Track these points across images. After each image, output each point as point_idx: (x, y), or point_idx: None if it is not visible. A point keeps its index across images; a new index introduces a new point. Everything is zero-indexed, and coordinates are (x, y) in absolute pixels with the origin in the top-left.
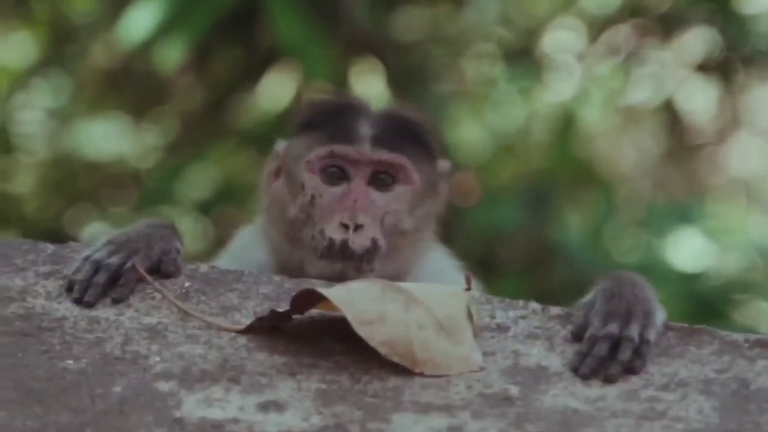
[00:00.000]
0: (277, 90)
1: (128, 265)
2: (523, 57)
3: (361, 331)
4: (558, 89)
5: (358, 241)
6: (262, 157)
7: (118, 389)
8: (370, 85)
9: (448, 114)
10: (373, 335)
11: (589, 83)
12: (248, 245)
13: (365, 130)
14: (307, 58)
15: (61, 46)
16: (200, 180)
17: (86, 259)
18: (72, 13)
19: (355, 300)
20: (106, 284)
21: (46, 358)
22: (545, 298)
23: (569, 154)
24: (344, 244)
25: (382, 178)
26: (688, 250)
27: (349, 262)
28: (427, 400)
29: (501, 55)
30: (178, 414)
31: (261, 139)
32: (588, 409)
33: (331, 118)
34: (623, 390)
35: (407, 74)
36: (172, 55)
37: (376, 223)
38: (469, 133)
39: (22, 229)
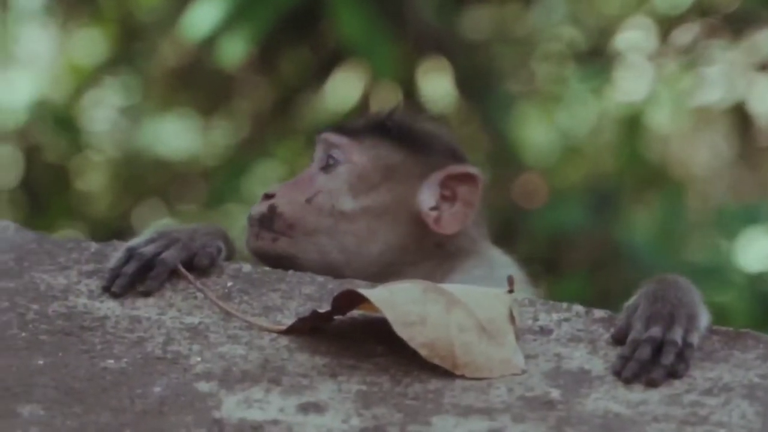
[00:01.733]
0: (344, 88)
1: (163, 255)
2: (593, 57)
3: (402, 332)
4: (628, 89)
5: (257, 208)
6: None
7: (158, 389)
8: (437, 85)
9: (515, 114)
10: (414, 337)
11: (659, 83)
12: None
13: (347, 123)
14: (372, 57)
15: (130, 43)
16: (268, 178)
17: (126, 248)
18: (139, 11)
19: (396, 301)
20: (136, 274)
21: (87, 357)
22: (610, 299)
23: (637, 154)
24: (249, 212)
25: (332, 160)
26: (757, 252)
27: (251, 229)
28: (467, 403)
29: (570, 54)
30: (217, 415)
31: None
32: (630, 413)
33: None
34: (666, 394)
35: (474, 74)
36: (235, 52)
37: (294, 197)
38: (537, 133)
39: (91, 227)
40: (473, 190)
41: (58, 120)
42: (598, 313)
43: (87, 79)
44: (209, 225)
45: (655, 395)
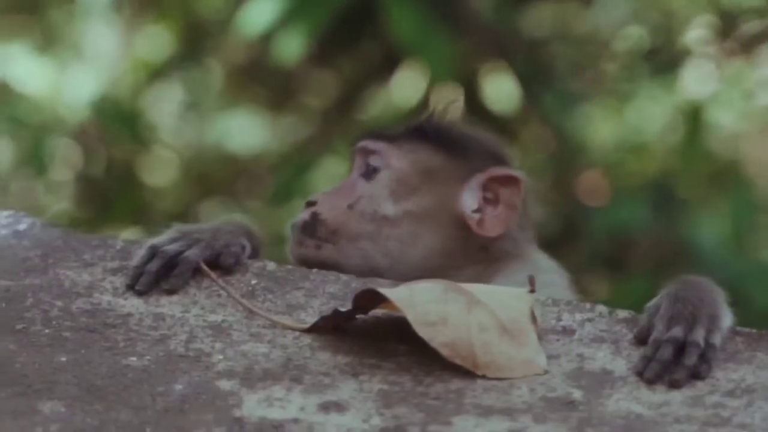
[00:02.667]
0: (408, 86)
1: (186, 254)
2: (657, 55)
3: (422, 332)
4: (693, 87)
5: (300, 216)
6: None
7: (179, 387)
8: (499, 84)
9: (577, 113)
10: (434, 336)
11: (724, 82)
12: None
13: (385, 130)
14: (427, 57)
15: (195, 40)
16: (332, 174)
17: (149, 246)
18: (203, 7)
19: (416, 301)
20: (160, 272)
21: (109, 354)
22: None
23: (702, 153)
24: (292, 221)
25: (372, 167)
26: None
27: (295, 235)
28: (488, 403)
29: (633, 53)
30: (238, 413)
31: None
32: (652, 414)
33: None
34: (688, 395)
35: (535, 73)
36: (292, 49)
37: (337, 204)
38: (600, 132)
39: (156, 223)
40: (516, 193)
41: (123, 116)
42: (622, 313)
43: (152, 75)
44: (232, 222)
45: (677, 396)
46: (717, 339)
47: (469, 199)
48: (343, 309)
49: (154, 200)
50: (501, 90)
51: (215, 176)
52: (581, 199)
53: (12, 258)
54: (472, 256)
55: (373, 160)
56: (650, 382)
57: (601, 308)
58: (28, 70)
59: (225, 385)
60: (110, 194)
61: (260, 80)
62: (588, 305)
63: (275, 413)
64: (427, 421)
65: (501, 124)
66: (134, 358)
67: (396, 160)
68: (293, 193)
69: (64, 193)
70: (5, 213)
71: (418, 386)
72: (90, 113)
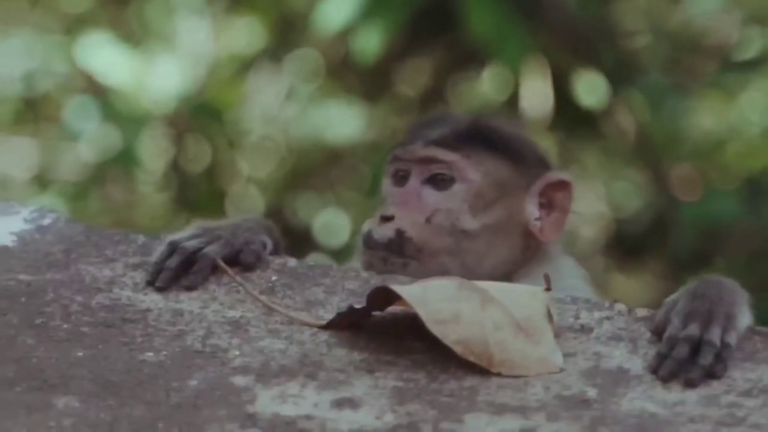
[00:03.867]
0: (499, 78)
1: (205, 250)
2: (749, 46)
3: (435, 329)
4: None
5: (381, 231)
6: None
7: (194, 383)
8: (587, 80)
9: (668, 107)
10: (447, 334)
11: None
12: None
13: (433, 132)
14: (505, 51)
15: (286, 31)
16: None
17: (168, 242)
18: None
19: (429, 298)
20: (179, 268)
21: (126, 350)
22: None
23: None
24: (369, 234)
25: (439, 176)
26: None
27: (375, 252)
28: (502, 401)
29: (724, 45)
30: (251, 409)
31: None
32: (666, 413)
33: (416, 127)
34: (703, 395)
35: (624, 67)
36: (371, 44)
37: (415, 218)
38: (692, 125)
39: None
40: (568, 197)
41: (210, 109)
42: (641, 312)
43: (245, 67)
44: (252, 219)
45: (692, 396)
46: (732, 338)
47: (531, 208)
48: (358, 306)
49: (251, 194)
50: (589, 84)
51: (310, 168)
52: (674, 193)
53: (35, 253)
54: (527, 260)
55: (441, 169)
56: (665, 381)
57: (621, 306)
58: (114, 63)
59: (240, 381)
60: (200, 187)
61: (354, 70)
62: (607, 303)
63: (289, 409)
64: (440, 418)
65: (590, 119)
66: (151, 354)
67: (471, 174)
68: None
69: (156, 187)
70: (30, 208)
71: (433, 383)
72: (178, 106)
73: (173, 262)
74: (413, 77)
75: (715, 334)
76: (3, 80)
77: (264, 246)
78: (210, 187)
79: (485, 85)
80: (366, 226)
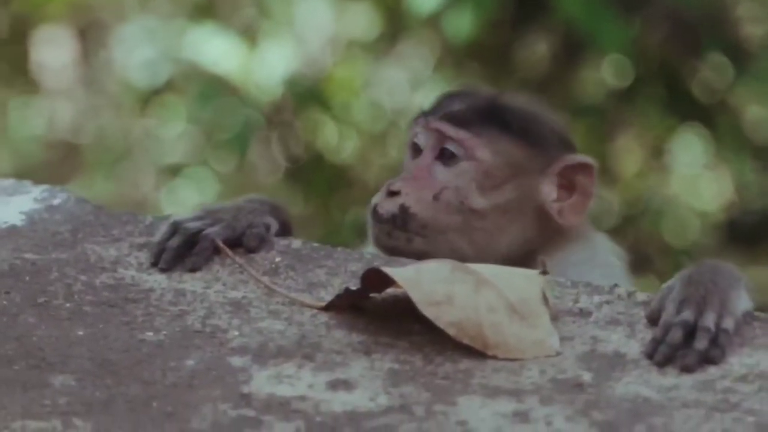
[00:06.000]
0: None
1: (206, 231)
2: None
3: (427, 311)
4: None
5: (386, 206)
6: (596, 131)
7: (191, 362)
8: (697, 69)
9: None
10: (440, 316)
11: None
12: None
13: (451, 107)
14: (600, 36)
15: (398, 17)
16: None
17: (171, 223)
18: None
19: (422, 280)
20: (180, 249)
21: (126, 329)
22: None
23: None
24: (374, 208)
25: (449, 152)
26: None
27: (382, 227)
28: (496, 384)
29: None
30: (246, 389)
31: (597, 112)
32: (659, 398)
33: (440, 100)
34: (699, 380)
35: (737, 55)
36: (461, 29)
37: (422, 194)
38: None
39: (361, 204)
40: (590, 180)
41: (326, 94)
42: (641, 296)
43: (365, 53)
44: (256, 200)
45: (688, 381)
46: (729, 324)
47: (549, 189)
48: (353, 288)
49: (359, 180)
50: (702, 75)
51: None
52: None
53: (43, 232)
54: (547, 241)
55: (450, 146)
56: (660, 365)
57: (620, 290)
58: (220, 50)
59: (237, 361)
60: (309, 173)
61: (475, 55)
62: (607, 287)
63: (284, 390)
64: (433, 400)
65: (703, 111)
66: (150, 333)
67: (480, 153)
68: None
69: (262, 173)
70: (41, 187)
71: (428, 366)
72: (286, 92)
73: (174, 242)
74: (531, 62)
75: (709, 320)
76: (127, 68)
77: (268, 228)
78: (319, 174)
79: (604, 73)
80: (374, 199)
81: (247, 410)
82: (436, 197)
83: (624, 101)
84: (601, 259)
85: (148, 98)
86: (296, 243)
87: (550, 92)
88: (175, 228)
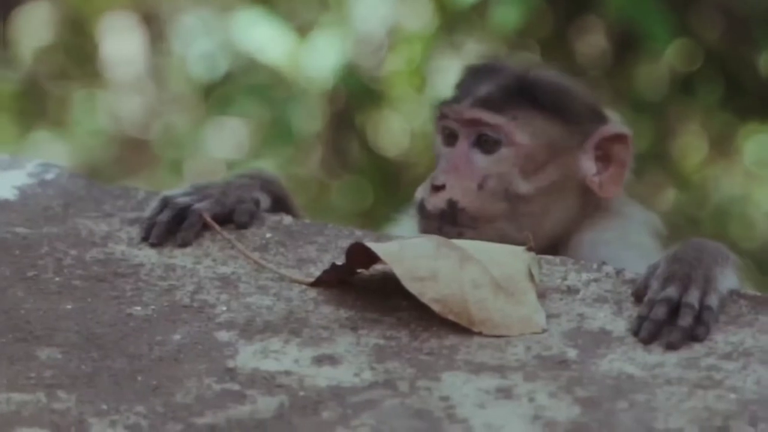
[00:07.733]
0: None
1: (195, 206)
2: None
3: (411, 287)
4: None
5: (432, 202)
6: (655, 124)
7: (177, 337)
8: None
9: None
10: (424, 292)
11: None
12: None
13: (480, 90)
14: (654, 37)
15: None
16: None
17: (161, 198)
18: None
19: (405, 256)
20: (170, 223)
21: (114, 303)
22: None
23: None
24: (421, 204)
25: (486, 139)
26: None
27: (430, 222)
28: (481, 360)
29: None
30: (231, 364)
31: (655, 105)
32: (643, 375)
33: (465, 81)
34: (683, 357)
35: None
36: (508, 19)
37: (466, 186)
38: None
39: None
40: (626, 150)
41: (366, 87)
42: (629, 274)
43: (426, 46)
44: (247, 175)
45: (672, 358)
46: (713, 301)
47: (588, 164)
48: (339, 263)
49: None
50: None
51: None
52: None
53: (34, 206)
54: (587, 216)
55: (487, 131)
56: (645, 342)
57: (608, 269)
58: (273, 41)
59: (223, 336)
60: (354, 164)
61: (529, 47)
62: (595, 265)
63: (269, 365)
64: (417, 376)
65: (765, 105)
66: (138, 308)
67: (519, 137)
68: None
69: (311, 163)
70: (36, 161)
71: (414, 342)
72: (336, 83)
73: (164, 217)
74: (587, 55)
75: (693, 297)
76: (186, 60)
77: (257, 203)
78: (378, 170)
79: (662, 66)
80: (419, 194)
81: (232, 384)
82: (480, 186)
83: (684, 95)
84: (634, 239)
85: (209, 91)
86: (287, 219)
87: (608, 85)
88: (165, 203)
